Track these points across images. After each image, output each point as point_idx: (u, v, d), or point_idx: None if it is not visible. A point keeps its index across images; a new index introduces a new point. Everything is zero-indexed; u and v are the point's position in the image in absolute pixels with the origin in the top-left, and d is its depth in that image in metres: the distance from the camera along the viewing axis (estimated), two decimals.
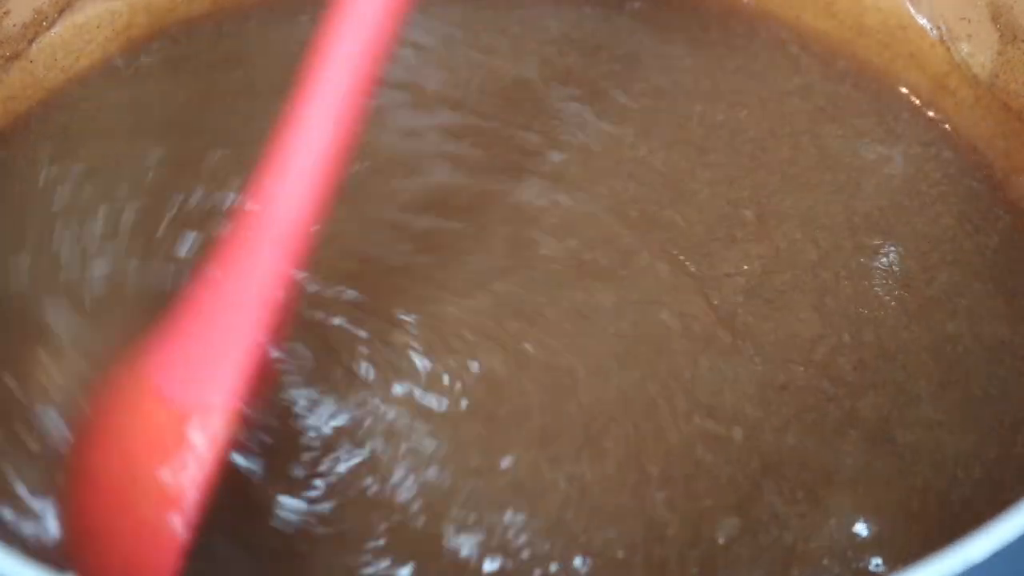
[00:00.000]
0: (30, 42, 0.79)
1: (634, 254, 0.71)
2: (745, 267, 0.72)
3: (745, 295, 0.71)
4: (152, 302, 0.66)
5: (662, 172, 0.75)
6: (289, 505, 0.63)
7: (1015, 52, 0.77)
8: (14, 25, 0.78)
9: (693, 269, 0.71)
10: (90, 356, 0.66)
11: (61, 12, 0.80)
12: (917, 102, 0.80)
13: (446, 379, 0.67)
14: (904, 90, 0.81)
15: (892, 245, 0.74)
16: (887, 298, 0.71)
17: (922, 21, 0.81)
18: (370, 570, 0.62)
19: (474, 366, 0.67)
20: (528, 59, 0.81)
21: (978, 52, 0.79)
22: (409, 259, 0.71)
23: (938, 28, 0.80)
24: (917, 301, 0.72)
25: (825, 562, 0.63)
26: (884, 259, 0.73)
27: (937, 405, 0.68)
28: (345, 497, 0.64)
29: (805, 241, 0.73)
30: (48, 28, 0.79)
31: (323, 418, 0.66)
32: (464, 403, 0.66)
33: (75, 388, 0.65)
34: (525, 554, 0.62)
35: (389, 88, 0.78)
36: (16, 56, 0.78)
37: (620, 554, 0.62)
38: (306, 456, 0.65)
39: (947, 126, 0.79)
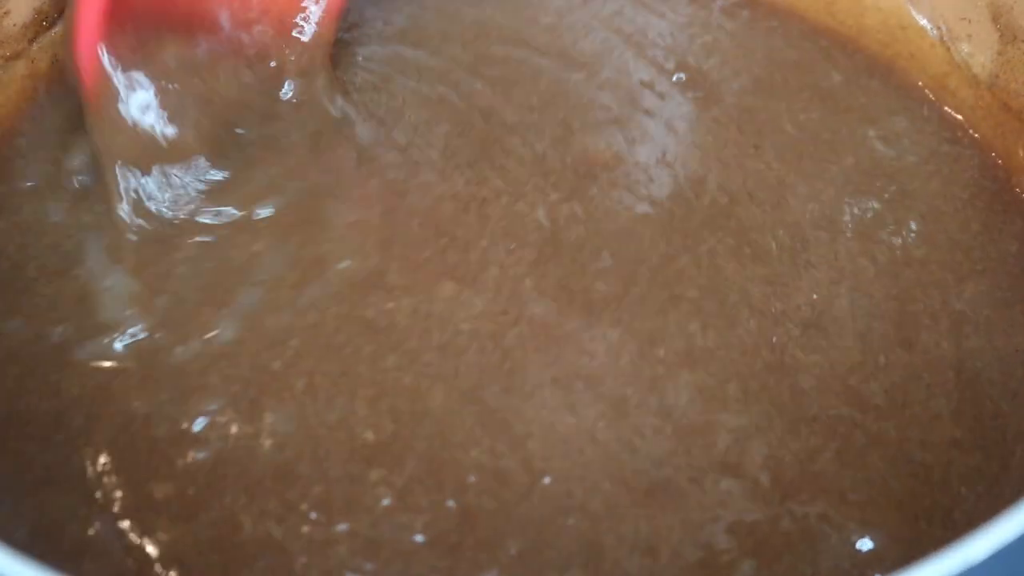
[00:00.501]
0: (31, 42, 0.79)
1: (736, 316, 0.71)
2: (814, 296, 0.72)
3: (803, 327, 0.71)
4: None
5: (768, 180, 0.77)
6: None
7: (1015, 52, 0.77)
8: (14, 25, 0.78)
9: (773, 310, 0.71)
10: None
11: (62, 12, 0.80)
12: (936, 101, 0.81)
13: (403, 518, 0.63)
14: (922, 87, 0.81)
15: (934, 257, 0.74)
16: (924, 315, 0.72)
17: (922, 21, 0.81)
18: None
19: (450, 504, 0.64)
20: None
21: (978, 52, 0.79)
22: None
23: (938, 28, 0.81)
24: (948, 315, 0.72)
25: None
26: (926, 273, 0.73)
27: (955, 423, 0.68)
28: None
29: (865, 259, 0.74)
30: (49, 28, 0.79)
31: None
32: (420, 537, 0.63)
33: None
34: None
35: None
36: (17, 56, 0.78)
37: None
38: None
39: (963, 126, 0.80)
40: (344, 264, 0.71)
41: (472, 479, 0.64)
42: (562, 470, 0.65)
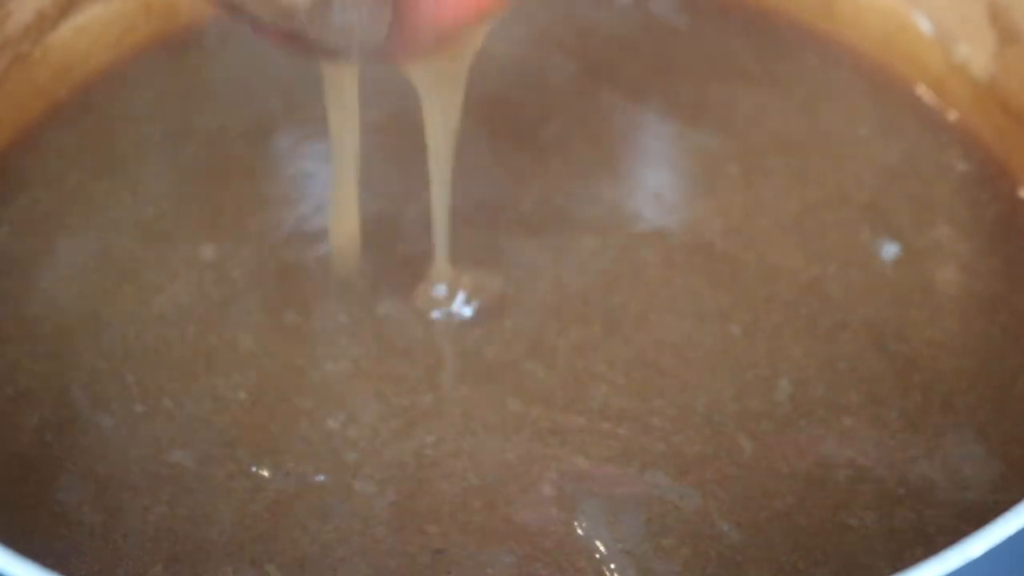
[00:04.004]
0: (33, 44, 0.79)
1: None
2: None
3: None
4: None
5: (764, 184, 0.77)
6: None
7: (1014, 53, 0.77)
8: (16, 27, 0.78)
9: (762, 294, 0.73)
10: None
11: (64, 13, 0.80)
12: (928, 103, 0.81)
13: None
14: (916, 91, 0.81)
15: (940, 273, 0.74)
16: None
17: (921, 23, 0.81)
18: None
19: None
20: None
21: (977, 53, 0.79)
22: None
23: (937, 30, 0.81)
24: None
25: None
26: (933, 295, 0.73)
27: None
28: None
29: (862, 259, 0.74)
30: (51, 29, 0.79)
31: None
32: None
33: None
34: None
35: None
36: (18, 58, 0.78)
37: None
38: None
39: (962, 128, 0.80)
40: None
41: None
42: None
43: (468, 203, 0.74)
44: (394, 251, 0.74)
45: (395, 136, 0.76)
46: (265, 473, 0.66)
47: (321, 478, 0.66)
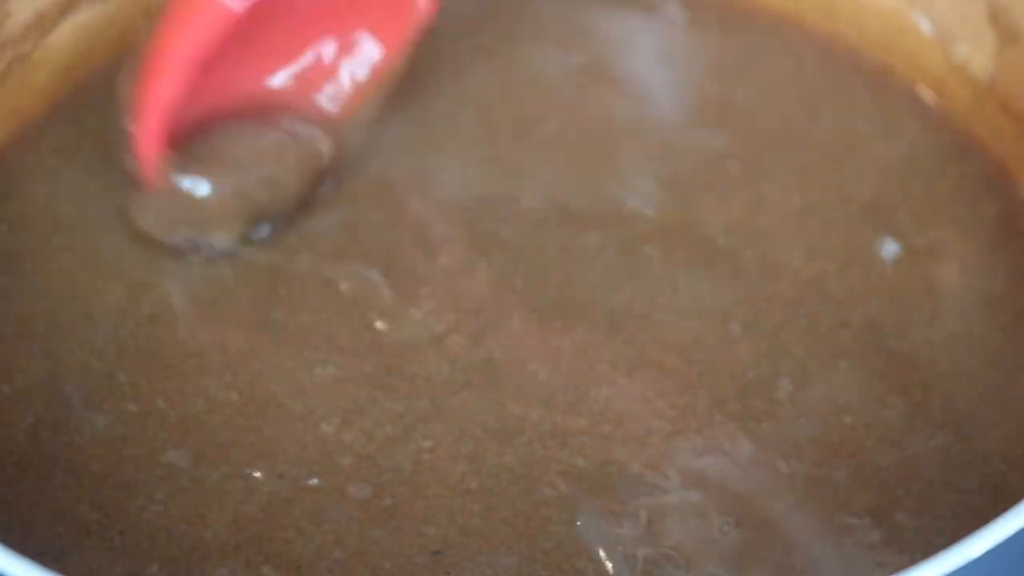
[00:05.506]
0: (33, 44, 0.79)
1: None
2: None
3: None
4: None
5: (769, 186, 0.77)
6: None
7: (1014, 53, 0.77)
8: (16, 27, 0.78)
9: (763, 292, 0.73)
10: None
11: (64, 13, 0.80)
12: (928, 103, 0.81)
13: None
14: (916, 91, 0.81)
15: (941, 273, 0.74)
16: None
17: (921, 23, 0.81)
18: None
19: None
20: None
21: (977, 54, 0.79)
22: None
23: (937, 30, 0.81)
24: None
25: None
26: (933, 294, 0.73)
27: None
28: None
29: (863, 259, 0.74)
30: (51, 29, 0.80)
31: None
32: None
33: None
34: None
35: None
36: (18, 58, 0.78)
37: None
38: None
39: (963, 129, 0.80)
40: None
41: None
42: None
43: (469, 200, 0.75)
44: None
45: None
46: (258, 475, 0.66)
47: (315, 481, 0.66)
